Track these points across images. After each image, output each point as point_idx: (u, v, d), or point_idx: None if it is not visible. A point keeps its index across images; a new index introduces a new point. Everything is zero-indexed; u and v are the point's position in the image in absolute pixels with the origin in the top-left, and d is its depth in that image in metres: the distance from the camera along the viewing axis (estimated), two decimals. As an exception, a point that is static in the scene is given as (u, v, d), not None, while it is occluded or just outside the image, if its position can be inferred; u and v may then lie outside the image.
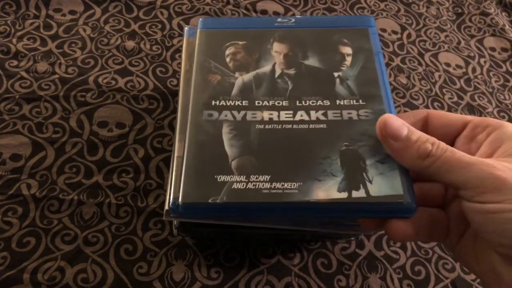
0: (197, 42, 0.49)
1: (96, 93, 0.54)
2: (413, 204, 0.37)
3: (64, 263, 0.42)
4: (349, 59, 0.47)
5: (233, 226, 0.42)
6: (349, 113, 0.43)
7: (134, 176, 0.48)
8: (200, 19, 0.51)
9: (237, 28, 0.50)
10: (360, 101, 0.44)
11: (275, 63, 0.47)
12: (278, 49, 0.48)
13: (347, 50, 0.48)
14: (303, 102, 0.44)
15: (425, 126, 0.37)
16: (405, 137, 0.32)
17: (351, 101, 0.44)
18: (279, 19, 0.51)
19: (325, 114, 0.43)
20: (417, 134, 0.32)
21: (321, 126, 0.42)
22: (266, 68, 0.46)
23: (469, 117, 0.36)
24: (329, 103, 0.43)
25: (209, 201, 0.37)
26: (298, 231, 0.43)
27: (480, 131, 0.34)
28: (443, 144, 0.31)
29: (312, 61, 0.47)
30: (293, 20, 0.51)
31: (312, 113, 0.43)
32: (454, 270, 0.47)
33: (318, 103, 0.43)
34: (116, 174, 0.48)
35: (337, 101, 0.44)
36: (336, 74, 0.46)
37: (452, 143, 0.36)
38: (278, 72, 0.46)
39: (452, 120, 0.36)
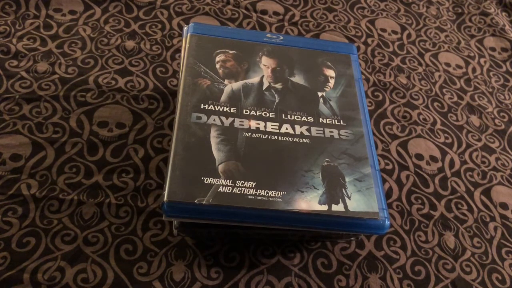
0: (187, 45, 0.50)
1: (96, 93, 0.54)
2: (387, 222, 0.40)
3: (64, 263, 0.42)
4: (332, 81, 0.50)
5: (233, 226, 0.42)
6: (331, 132, 0.45)
7: (134, 176, 0.48)
8: (191, 23, 0.53)
9: (227, 37, 0.52)
10: (341, 121, 0.46)
11: (263, 76, 0.49)
12: (266, 63, 0.50)
13: (331, 72, 0.51)
14: (289, 116, 0.46)
15: None
16: None
17: (333, 120, 0.46)
18: (268, 35, 0.53)
19: (308, 130, 0.45)
20: None
21: (305, 140, 0.44)
22: (254, 80, 0.48)
23: None
24: (312, 120, 0.46)
25: (196, 201, 0.38)
26: (297, 231, 0.44)
27: None
28: None
29: (298, 79, 0.49)
30: (281, 37, 0.53)
31: (297, 127, 0.45)
32: (454, 270, 0.47)
33: (302, 119, 0.46)
34: (116, 174, 0.48)
35: (320, 119, 0.46)
36: (320, 94, 0.48)
37: None
38: (266, 84, 0.48)
39: None
